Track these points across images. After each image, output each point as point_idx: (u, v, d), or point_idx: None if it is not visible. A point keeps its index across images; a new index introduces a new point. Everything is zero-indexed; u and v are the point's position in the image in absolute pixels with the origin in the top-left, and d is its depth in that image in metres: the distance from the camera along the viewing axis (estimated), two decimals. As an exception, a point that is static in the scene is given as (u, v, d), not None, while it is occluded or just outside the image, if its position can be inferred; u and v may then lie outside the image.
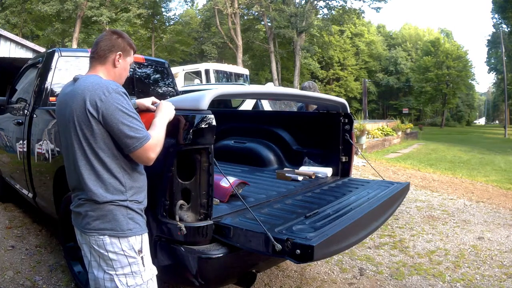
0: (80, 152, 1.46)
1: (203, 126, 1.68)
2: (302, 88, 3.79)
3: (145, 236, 1.57)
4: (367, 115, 27.33)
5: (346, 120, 2.94)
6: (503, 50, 28.34)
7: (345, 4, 29.44)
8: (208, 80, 12.58)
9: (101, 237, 1.47)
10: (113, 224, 1.47)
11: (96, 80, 1.47)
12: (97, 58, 1.59)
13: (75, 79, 1.56)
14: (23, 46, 10.17)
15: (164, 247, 1.74)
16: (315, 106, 3.74)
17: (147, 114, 1.72)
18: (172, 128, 1.75)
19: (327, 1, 29.96)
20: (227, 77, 13.78)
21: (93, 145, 1.45)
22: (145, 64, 4.06)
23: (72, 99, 1.46)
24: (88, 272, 1.59)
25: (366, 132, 12.90)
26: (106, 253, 1.48)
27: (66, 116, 1.48)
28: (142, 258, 1.53)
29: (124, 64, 1.64)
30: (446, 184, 6.93)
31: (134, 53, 1.70)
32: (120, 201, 1.48)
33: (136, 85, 3.95)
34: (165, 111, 1.64)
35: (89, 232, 1.48)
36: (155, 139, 1.49)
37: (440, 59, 41.69)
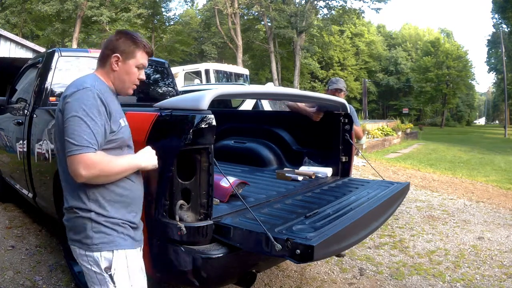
0: (61, 151, 1.39)
1: (203, 126, 1.68)
2: (331, 83, 3.79)
3: (120, 253, 1.41)
4: (367, 115, 27.35)
5: (346, 120, 2.94)
6: (503, 50, 28.34)
7: (345, 4, 29.47)
8: (208, 80, 12.58)
9: (74, 247, 1.44)
10: (80, 235, 1.40)
11: (80, 78, 1.44)
12: (99, 60, 1.54)
13: None
14: (23, 46, 10.17)
15: (164, 247, 1.74)
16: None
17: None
18: (173, 128, 1.75)
19: (327, 1, 30.00)
20: (227, 77, 13.78)
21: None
22: (145, 64, 4.06)
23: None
24: None
25: (366, 132, 12.91)
26: (81, 264, 1.44)
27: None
28: (110, 276, 1.39)
29: (126, 67, 1.50)
30: (446, 184, 6.93)
31: (149, 54, 1.56)
32: (82, 210, 1.38)
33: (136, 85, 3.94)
34: (144, 154, 1.51)
35: (69, 243, 1.46)
36: (98, 160, 1.30)
37: (440, 59, 41.69)
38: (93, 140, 1.30)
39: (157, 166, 1.54)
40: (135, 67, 1.52)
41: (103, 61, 1.52)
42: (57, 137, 1.41)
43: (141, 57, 1.53)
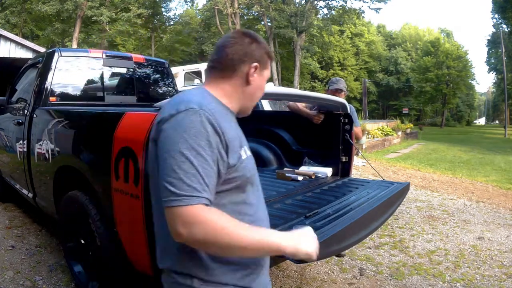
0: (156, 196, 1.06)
1: (203, 126, 1.67)
2: (331, 83, 3.78)
3: None
4: (367, 115, 27.33)
5: (346, 120, 2.94)
6: (503, 50, 28.35)
7: (345, 4, 29.48)
8: (208, 80, 12.56)
9: None
10: None
11: (181, 95, 1.08)
12: (220, 69, 1.12)
13: None
14: (23, 46, 10.17)
15: (164, 247, 1.74)
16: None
17: None
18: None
19: (327, 1, 30.01)
20: (227, 77, 13.76)
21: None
22: (145, 64, 4.06)
23: None
24: None
25: (366, 132, 12.91)
26: None
27: None
28: None
29: (260, 81, 1.16)
30: (446, 184, 6.93)
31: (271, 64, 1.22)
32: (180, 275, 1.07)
33: (136, 85, 3.95)
34: (297, 236, 1.08)
35: None
36: (208, 219, 0.91)
37: (440, 59, 41.69)
38: (201, 186, 0.92)
39: (314, 257, 1.08)
40: (265, 80, 1.20)
41: (226, 71, 1.12)
42: (152, 174, 1.07)
43: (269, 70, 1.21)
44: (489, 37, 40.00)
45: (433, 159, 11.68)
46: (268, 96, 3.92)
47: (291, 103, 3.50)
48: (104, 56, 3.58)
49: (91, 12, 24.15)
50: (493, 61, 40.73)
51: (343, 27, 40.88)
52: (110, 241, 2.08)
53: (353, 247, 3.29)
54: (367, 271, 3.09)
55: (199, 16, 37.37)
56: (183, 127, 0.94)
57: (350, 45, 46.15)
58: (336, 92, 3.63)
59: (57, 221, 2.69)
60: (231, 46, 1.11)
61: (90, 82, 3.65)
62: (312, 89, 37.99)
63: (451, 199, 5.72)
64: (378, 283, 2.89)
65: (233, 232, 0.92)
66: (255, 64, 1.11)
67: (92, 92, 3.73)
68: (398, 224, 4.38)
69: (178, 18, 37.53)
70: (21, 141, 3.23)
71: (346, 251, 3.38)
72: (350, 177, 3.04)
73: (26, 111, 3.24)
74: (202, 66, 13.43)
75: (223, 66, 1.11)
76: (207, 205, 0.92)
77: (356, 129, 3.47)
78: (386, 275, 3.03)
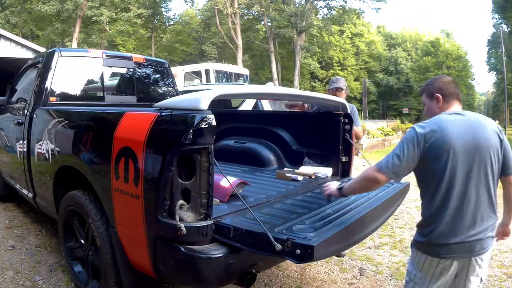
0: (491, 180, 1.70)
1: (203, 126, 1.68)
2: (331, 82, 3.80)
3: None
4: (367, 115, 27.34)
5: (346, 120, 2.94)
6: (503, 50, 28.33)
7: (345, 4, 29.47)
8: (208, 80, 12.58)
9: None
10: None
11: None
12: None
13: (459, 113, 1.71)
14: (23, 46, 10.19)
15: (164, 247, 1.74)
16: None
17: None
18: (173, 128, 1.75)
19: (327, 1, 29.99)
20: (227, 77, 13.78)
21: (494, 174, 1.70)
22: (145, 64, 4.06)
23: (483, 129, 1.66)
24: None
25: (366, 132, 12.91)
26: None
27: (479, 144, 1.62)
28: None
29: None
30: (446, 184, 6.92)
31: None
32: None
33: (136, 85, 3.95)
34: None
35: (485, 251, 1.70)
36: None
37: (440, 59, 41.67)
38: None
39: None
40: None
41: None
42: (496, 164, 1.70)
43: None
44: (489, 37, 40.04)
45: (433, 159, 11.67)
46: (268, 96, 3.92)
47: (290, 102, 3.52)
48: (104, 56, 3.58)
49: (91, 12, 24.13)
50: (493, 61, 40.69)
51: (343, 27, 40.80)
52: (110, 241, 2.08)
53: (353, 247, 3.29)
54: (367, 271, 3.09)
55: (199, 16, 37.36)
56: None
57: (350, 45, 46.10)
58: (337, 91, 3.64)
59: (57, 221, 2.69)
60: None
61: (90, 82, 3.65)
62: (312, 89, 37.99)
63: (451, 199, 5.72)
64: (378, 283, 2.89)
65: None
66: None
67: (92, 92, 3.73)
68: (398, 224, 4.37)
69: (178, 18, 37.56)
70: (21, 141, 3.23)
71: (346, 251, 3.38)
72: (350, 177, 3.04)
73: (26, 111, 3.24)
74: (202, 66, 13.44)
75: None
76: None
77: (357, 129, 3.47)
78: (386, 275, 3.03)
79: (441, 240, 1.64)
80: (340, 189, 1.92)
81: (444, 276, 1.68)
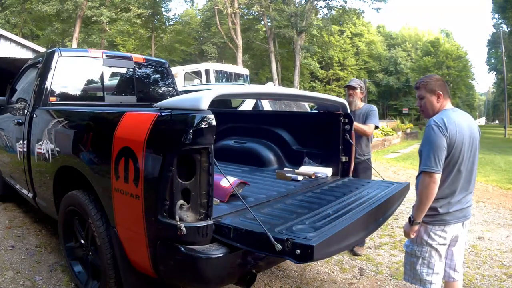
0: (476, 162, 2.05)
1: (203, 126, 1.68)
2: (348, 83, 3.70)
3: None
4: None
5: (346, 120, 2.94)
6: (503, 50, 28.30)
7: (345, 4, 29.45)
8: (208, 80, 12.57)
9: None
10: None
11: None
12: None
13: (456, 110, 2.07)
14: (23, 46, 10.18)
15: (164, 247, 1.74)
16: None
17: None
18: (173, 128, 1.75)
19: (327, 1, 29.97)
20: (227, 77, 13.78)
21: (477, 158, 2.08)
22: (145, 64, 4.06)
23: (474, 123, 2.05)
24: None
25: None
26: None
27: (474, 135, 2.02)
28: None
29: None
30: (446, 184, 6.92)
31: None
32: None
33: (136, 85, 3.95)
34: None
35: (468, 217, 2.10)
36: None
37: (440, 59, 41.68)
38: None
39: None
40: None
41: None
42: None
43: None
44: (489, 37, 40.04)
45: (433, 159, 11.66)
46: (268, 96, 3.92)
47: None
48: (104, 56, 3.58)
49: (91, 12, 24.13)
50: (493, 61, 40.69)
51: (343, 27, 40.82)
52: (110, 241, 2.08)
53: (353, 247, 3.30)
54: (367, 271, 3.09)
55: (199, 16, 37.36)
56: None
57: (350, 45, 46.10)
58: (349, 89, 3.56)
59: (57, 221, 2.69)
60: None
61: (90, 82, 3.65)
62: (312, 89, 38.00)
63: (451, 199, 5.72)
64: (378, 283, 2.89)
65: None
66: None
67: (92, 92, 3.73)
68: (398, 224, 4.37)
69: (178, 18, 37.54)
70: (21, 141, 3.23)
71: (363, 251, 3.44)
72: (350, 177, 3.04)
73: (26, 111, 3.24)
74: (202, 66, 13.43)
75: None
76: None
77: (369, 127, 3.43)
78: (386, 275, 3.03)
79: (451, 209, 2.02)
80: (412, 221, 2.05)
81: (444, 245, 2.05)
